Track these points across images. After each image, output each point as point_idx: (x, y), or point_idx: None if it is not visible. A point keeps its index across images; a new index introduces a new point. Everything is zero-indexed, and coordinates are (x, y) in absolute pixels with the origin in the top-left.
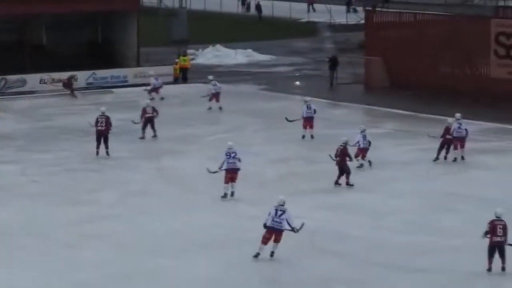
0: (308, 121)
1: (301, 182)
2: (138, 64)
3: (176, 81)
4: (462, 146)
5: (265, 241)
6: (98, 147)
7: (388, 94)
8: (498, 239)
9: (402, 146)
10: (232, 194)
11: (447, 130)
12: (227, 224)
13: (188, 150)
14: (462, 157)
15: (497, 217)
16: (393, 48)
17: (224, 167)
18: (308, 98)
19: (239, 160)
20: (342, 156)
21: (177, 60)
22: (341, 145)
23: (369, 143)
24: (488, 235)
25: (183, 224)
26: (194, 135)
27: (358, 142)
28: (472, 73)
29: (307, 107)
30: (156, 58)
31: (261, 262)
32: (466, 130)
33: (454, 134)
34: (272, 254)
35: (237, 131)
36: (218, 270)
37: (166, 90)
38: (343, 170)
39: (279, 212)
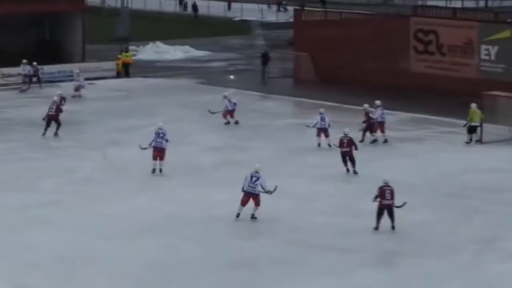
0: (230, 112)
1: (235, 168)
2: (83, 60)
3: (118, 76)
4: (383, 131)
5: (243, 203)
6: (46, 129)
7: (316, 88)
8: (387, 202)
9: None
10: (160, 170)
11: (367, 115)
12: (166, 209)
13: (129, 140)
14: (386, 140)
15: (385, 183)
16: (320, 45)
17: (152, 144)
18: (226, 93)
19: (167, 141)
20: (349, 146)
21: (119, 56)
22: (346, 137)
23: (329, 124)
24: (378, 199)
25: (124, 209)
26: (135, 126)
27: (316, 123)
28: (393, 68)
29: (229, 101)
30: (100, 54)
31: (196, 244)
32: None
33: (379, 119)
34: (252, 216)
35: (175, 122)
36: (157, 252)
37: (109, 84)
38: (351, 159)
39: (254, 178)
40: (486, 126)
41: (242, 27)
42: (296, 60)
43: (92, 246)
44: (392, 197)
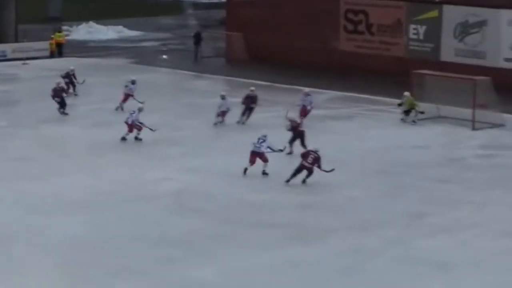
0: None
1: (168, 146)
2: (16, 40)
3: (52, 55)
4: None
5: (250, 163)
6: None
7: (248, 67)
8: (307, 164)
9: (261, 113)
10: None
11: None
12: (100, 186)
13: (63, 118)
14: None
15: (313, 149)
16: (251, 24)
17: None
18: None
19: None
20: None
21: (52, 36)
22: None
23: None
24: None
25: (58, 186)
26: (69, 105)
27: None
28: (323, 47)
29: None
30: (33, 34)
31: (129, 221)
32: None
33: (308, 107)
34: (263, 172)
35: (109, 101)
36: (89, 229)
37: (43, 64)
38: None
39: (260, 140)
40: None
41: (175, 7)
42: (228, 40)
43: (23, 223)
44: (313, 163)
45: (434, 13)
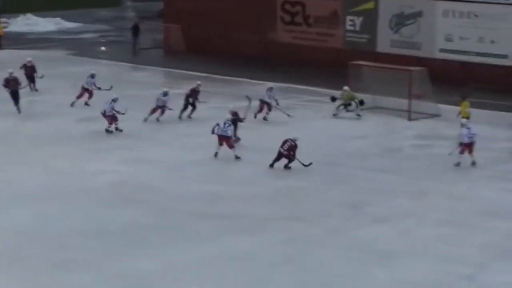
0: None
1: (110, 138)
2: None
3: None
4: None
5: (219, 145)
6: None
7: (185, 58)
8: (282, 151)
9: (199, 104)
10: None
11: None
12: (40, 178)
13: (4, 110)
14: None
15: (292, 138)
16: (189, 16)
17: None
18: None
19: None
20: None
21: None
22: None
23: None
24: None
25: (3, 179)
26: (8, 97)
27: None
28: (261, 38)
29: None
30: None
31: (70, 213)
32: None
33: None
34: (236, 156)
35: (49, 93)
36: (29, 221)
37: None
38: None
39: (226, 124)
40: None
41: (113, 0)
42: (166, 32)
43: None
44: (288, 150)
45: (370, 5)
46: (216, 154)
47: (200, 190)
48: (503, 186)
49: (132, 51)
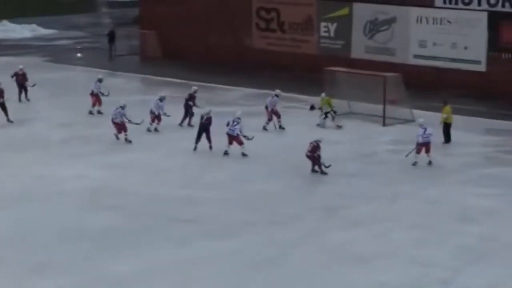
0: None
1: (83, 144)
2: None
3: None
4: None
5: (228, 144)
6: None
7: (162, 65)
8: (307, 153)
9: (177, 110)
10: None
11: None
12: (16, 183)
13: None
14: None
15: (317, 139)
16: (165, 22)
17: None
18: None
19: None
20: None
21: None
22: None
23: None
24: None
25: None
26: None
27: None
28: (237, 45)
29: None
30: None
31: (45, 217)
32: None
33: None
34: (243, 154)
35: (22, 99)
36: (6, 226)
37: None
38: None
39: (234, 123)
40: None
41: (89, 6)
42: (142, 38)
43: None
44: (311, 151)
45: (344, 11)
46: (226, 152)
47: (176, 194)
48: (477, 190)
49: (108, 58)
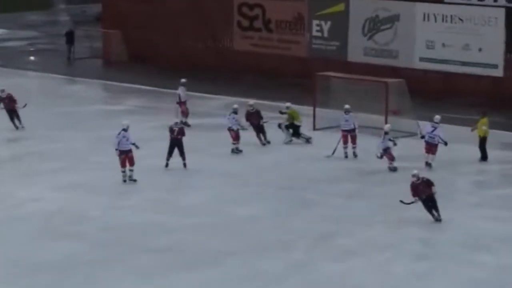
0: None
1: (39, 162)
2: None
3: None
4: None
5: (122, 163)
6: None
7: (128, 69)
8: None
9: (144, 122)
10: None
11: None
12: None
13: None
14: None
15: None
16: (132, 21)
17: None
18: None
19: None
20: None
21: None
22: None
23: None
24: None
25: None
26: None
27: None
28: (215, 46)
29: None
30: None
31: (4, 247)
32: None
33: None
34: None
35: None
36: None
37: None
38: None
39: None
40: (318, 111)
41: (43, 2)
42: (105, 38)
43: None
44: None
45: (339, 7)
46: (124, 177)
47: (144, 220)
48: (491, 213)
49: (67, 61)
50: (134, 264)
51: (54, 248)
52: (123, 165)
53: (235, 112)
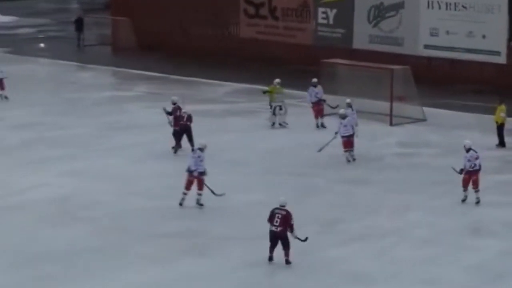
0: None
1: (49, 147)
2: None
3: None
4: None
5: (188, 185)
6: None
7: (137, 56)
8: (273, 228)
9: (153, 108)
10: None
11: None
12: None
13: None
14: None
15: (280, 205)
16: (141, 8)
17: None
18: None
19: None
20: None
21: None
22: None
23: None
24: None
25: None
26: None
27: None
28: (221, 34)
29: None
30: None
31: (3, 233)
32: None
33: None
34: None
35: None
36: None
37: None
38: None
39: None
40: (325, 97)
41: None
42: (114, 26)
43: None
44: (282, 224)
45: None
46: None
47: (150, 205)
48: (494, 199)
49: (76, 48)
50: (140, 251)
51: (62, 235)
52: (188, 187)
53: (314, 86)
